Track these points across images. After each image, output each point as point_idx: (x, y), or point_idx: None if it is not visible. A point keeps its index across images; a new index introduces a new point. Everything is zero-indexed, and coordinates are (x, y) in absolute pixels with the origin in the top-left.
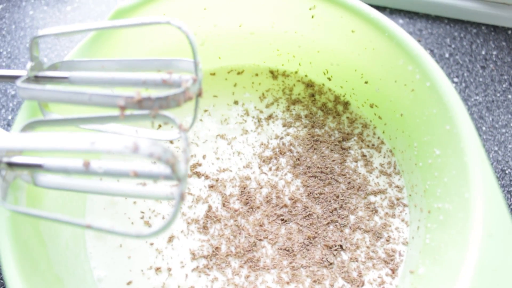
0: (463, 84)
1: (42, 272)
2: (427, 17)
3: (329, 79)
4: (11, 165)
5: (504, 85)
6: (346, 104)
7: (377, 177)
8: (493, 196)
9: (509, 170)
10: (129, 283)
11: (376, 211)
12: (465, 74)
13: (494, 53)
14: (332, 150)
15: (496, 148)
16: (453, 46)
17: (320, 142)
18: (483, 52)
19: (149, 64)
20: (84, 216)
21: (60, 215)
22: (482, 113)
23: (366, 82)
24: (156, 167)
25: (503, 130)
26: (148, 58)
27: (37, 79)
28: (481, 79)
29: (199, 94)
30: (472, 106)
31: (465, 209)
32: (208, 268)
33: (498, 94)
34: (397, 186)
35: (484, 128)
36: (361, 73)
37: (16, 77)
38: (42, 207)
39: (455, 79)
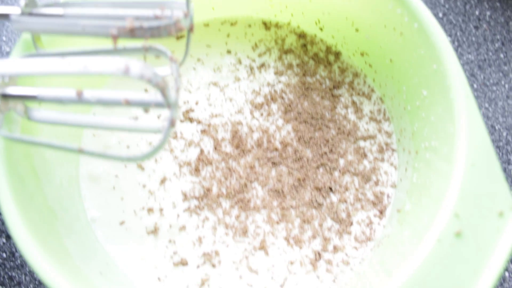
0: (456, 43)
1: (37, 205)
2: None
3: (321, 29)
4: (5, 96)
5: (496, 45)
6: (337, 54)
7: (366, 123)
8: (476, 128)
9: (498, 126)
10: (122, 223)
11: (366, 156)
12: (458, 34)
13: (488, 13)
14: (322, 98)
15: (486, 105)
16: (446, 6)
17: (311, 89)
18: (477, 12)
19: (144, 3)
20: (79, 160)
21: (54, 140)
22: (474, 71)
23: (357, 30)
24: (147, 96)
25: (494, 88)
26: None
27: (31, 15)
28: (473, 39)
29: (190, 29)
30: (464, 64)
31: (450, 143)
32: (199, 209)
33: (490, 53)
34: (386, 132)
35: (475, 86)
36: (352, 21)
37: (7, 15)
38: (33, 148)
39: (448, 38)
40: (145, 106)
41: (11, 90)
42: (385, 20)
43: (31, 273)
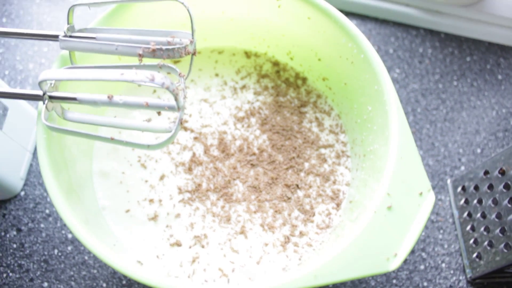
0: (403, 74)
1: (67, 186)
2: (376, 19)
3: (291, 58)
4: (51, 97)
5: (436, 77)
6: (304, 79)
7: (327, 135)
8: (404, 131)
9: (437, 143)
10: (127, 211)
11: (326, 160)
12: (405, 67)
13: (429, 51)
14: (292, 114)
15: (428, 126)
16: (396, 44)
17: (283, 107)
18: (421, 50)
19: (157, 32)
20: (92, 158)
21: (88, 131)
22: (418, 98)
23: (319, 59)
24: (162, 101)
25: (434, 112)
26: (156, 29)
27: (71, 38)
28: (418, 71)
29: (194, 53)
30: (410, 92)
31: (386, 144)
32: (191, 200)
33: (431, 83)
34: (342, 142)
35: (419, 110)
36: (315, 52)
37: (56, 36)
38: (63, 143)
39: (397, 70)
40: (161, 108)
41: (56, 93)
42: (340, 52)
43: (39, 262)
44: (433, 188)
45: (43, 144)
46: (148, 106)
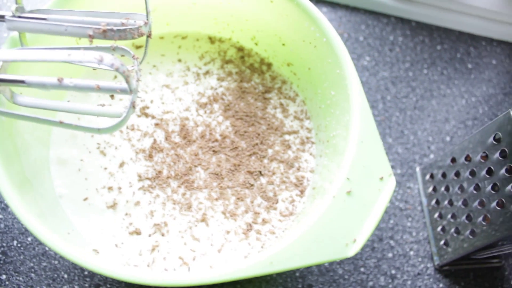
0: (373, 62)
1: (19, 174)
2: (346, 7)
3: (256, 44)
4: None
5: (406, 65)
6: (269, 65)
7: (291, 121)
8: (365, 115)
9: (407, 131)
10: (85, 199)
11: (290, 147)
12: (375, 54)
13: (400, 39)
14: (256, 100)
15: (397, 114)
16: (367, 31)
17: (247, 93)
18: (391, 38)
19: (112, 14)
20: (49, 145)
21: (37, 115)
22: (388, 86)
23: (283, 44)
24: (115, 83)
25: (404, 100)
26: (111, 11)
27: (21, 18)
28: (388, 59)
29: (149, 35)
30: (380, 79)
31: (347, 128)
32: (151, 188)
33: (401, 71)
34: (307, 128)
35: (389, 97)
36: (280, 37)
37: (3, 16)
38: (15, 130)
39: (367, 58)
40: (112, 91)
41: (4, 76)
42: (303, 36)
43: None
44: (402, 176)
45: None
46: (99, 89)
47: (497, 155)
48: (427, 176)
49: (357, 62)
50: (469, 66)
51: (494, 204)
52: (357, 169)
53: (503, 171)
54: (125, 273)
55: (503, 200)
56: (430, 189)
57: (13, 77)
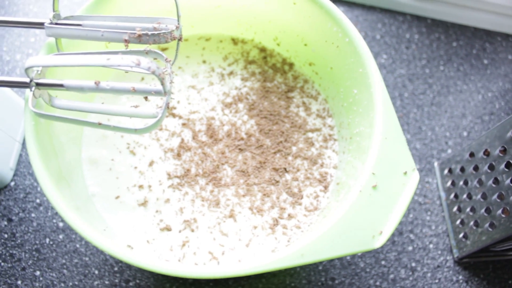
0: (391, 60)
1: (57, 173)
2: (362, 6)
3: (278, 44)
4: (38, 84)
5: (422, 62)
6: (291, 65)
7: (314, 119)
8: (388, 112)
9: (424, 127)
10: (117, 197)
11: (313, 144)
12: (392, 52)
13: (416, 36)
14: (279, 99)
15: (415, 110)
16: (383, 30)
17: (270, 92)
18: (407, 36)
19: (143, 19)
20: (81, 146)
21: (75, 117)
22: (405, 83)
23: (305, 45)
24: (148, 86)
25: (421, 97)
26: (142, 16)
27: (57, 25)
28: (405, 57)
29: (180, 39)
30: (397, 77)
31: (371, 125)
32: (180, 185)
33: (418, 69)
34: (329, 126)
35: (406, 95)
36: (302, 38)
37: (42, 23)
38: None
39: (384, 56)
40: (147, 93)
41: (43, 80)
42: (325, 36)
43: (30, 251)
44: (421, 171)
45: (31, 132)
46: (135, 91)
47: None
48: (446, 171)
49: (375, 60)
50: (485, 61)
51: None
52: (382, 165)
53: None
54: (161, 266)
55: None
56: (449, 183)
57: (52, 81)
